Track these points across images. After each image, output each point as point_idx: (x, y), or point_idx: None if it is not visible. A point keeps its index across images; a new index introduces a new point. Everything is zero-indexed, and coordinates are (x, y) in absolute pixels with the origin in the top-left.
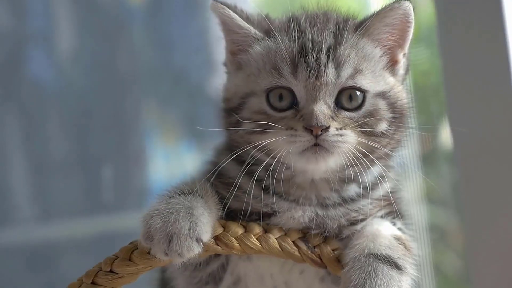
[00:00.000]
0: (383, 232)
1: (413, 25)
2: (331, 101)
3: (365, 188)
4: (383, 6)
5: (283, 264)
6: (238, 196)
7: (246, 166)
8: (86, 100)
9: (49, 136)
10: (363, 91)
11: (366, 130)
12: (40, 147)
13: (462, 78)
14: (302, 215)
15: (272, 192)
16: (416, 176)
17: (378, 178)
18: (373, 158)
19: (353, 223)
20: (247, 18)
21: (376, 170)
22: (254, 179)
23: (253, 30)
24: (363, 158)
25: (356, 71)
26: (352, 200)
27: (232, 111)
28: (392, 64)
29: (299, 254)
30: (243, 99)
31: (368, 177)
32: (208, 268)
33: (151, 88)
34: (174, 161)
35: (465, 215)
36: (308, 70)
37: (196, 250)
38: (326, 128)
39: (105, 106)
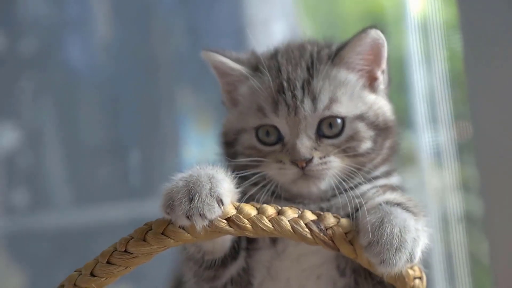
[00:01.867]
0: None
1: (385, 44)
2: (312, 132)
3: (368, 179)
4: (353, 36)
5: (302, 270)
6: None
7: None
8: (120, 86)
9: (83, 122)
10: (342, 118)
11: (349, 153)
12: (74, 133)
13: (484, 71)
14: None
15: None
16: (452, 164)
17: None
18: (368, 170)
19: (358, 209)
20: (237, 59)
21: (378, 170)
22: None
23: (243, 70)
24: (355, 173)
25: (332, 100)
26: (355, 187)
27: (229, 144)
28: (371, 82)
29: (311, 237)
30: (236, 135)
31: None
32: (227, 272)
33: (184, 74)
34: (207, 146)
35: (488, 205)
36: (287, 107)
37: (217, 211)
38: (310, 160)
39: (138, 92)
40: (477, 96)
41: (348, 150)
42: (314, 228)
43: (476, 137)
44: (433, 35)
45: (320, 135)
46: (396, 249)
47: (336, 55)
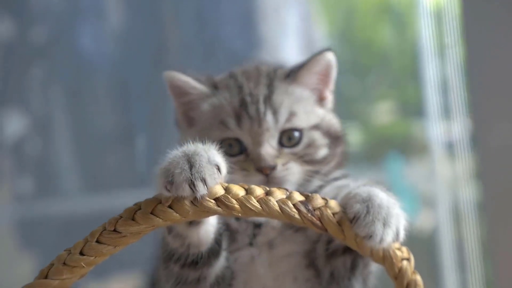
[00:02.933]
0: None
1: (335, 67)
2: (274, 143)
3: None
4: (311, 58)
5: (277, 276)
6: None
7: None
8: (129, 74)
9: (92, 110)
10: (299, 130)
11: (308, 159)
12: (83, 120)
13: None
14: None
15: None
16: (464, 154)
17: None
18: (326, 173)
19: None
20: (197, 79)
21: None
22: None
23: (204, 89)
24: (314, 176)
25: (291, 114)
26: (319, 189)
27: None
28: (321, 99)
29: (299, 217)
30: None
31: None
32: (211, 271)
33: (192, 60)
34: None
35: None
36: (250, 120)
37: (217, 177)
38: (274, 167)
39: (147, 79)
40: (477, 90)
41: (306, 157)
42: (302, 208)
43: (476, 131)
44: (447, 24)
45: (281, 145)
46: (384, 223)
47: (294, 74)
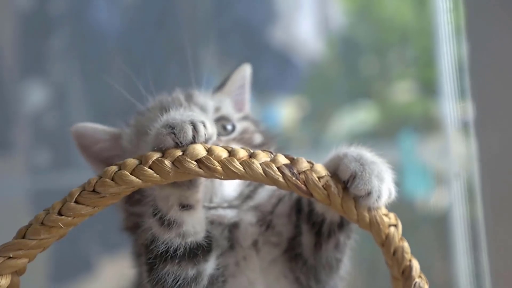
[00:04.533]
0: None
1: (249, 78)
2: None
3: None
4: (232, 72)
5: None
6: None
7: None
8: (147, 49)
9: (108, 84)
10: (230, 120)
11: (246, 144)
12: (99, 94)
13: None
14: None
15: None
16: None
17: None
18: None
19: None
20: (101, 126)
21: None
22: None
23: (116, 130)
24: None
25: (217, 109)
26: None
27: None
28: (240, 106)
29: (283, 180)
30: None
31: None
32: (208, 266)
33: (209, 36)
34: None
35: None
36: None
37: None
38: None
39: (164, 55)
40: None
41: (245, 142)
42: (287, 172)
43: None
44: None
45: (218, 135)
46: (379, 178)
47: (218, 88)
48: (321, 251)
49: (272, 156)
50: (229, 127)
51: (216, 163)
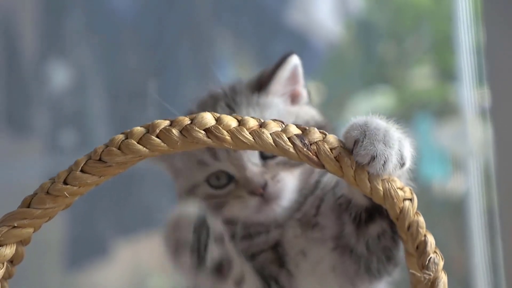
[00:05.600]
0: None
1: (300, 65)
2: (256, 159)
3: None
4: (275, 68)
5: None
6: None
7: None
8: (164, 30)
9: (126, 65)
10: None
11: (294, 163)
12: (117, 75)
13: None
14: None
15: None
16: None
17: None
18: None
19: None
20: None
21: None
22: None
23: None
24: (309, 176)
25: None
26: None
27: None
28: (294, 98)
29: (294, 151)
30: (191, 192)
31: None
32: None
33: (223, 17)
34: None
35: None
36: (225, 149)
37: None
38: (265, 184)
39: (181, 37)
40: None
41: (292, 161)
42: (298, 142)
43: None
44: None
45: (264, 158)
46: (384, 143)
47: (261, 87)
48: (363, 239)
49: (283, 126)
50: None
51: (225, 133)
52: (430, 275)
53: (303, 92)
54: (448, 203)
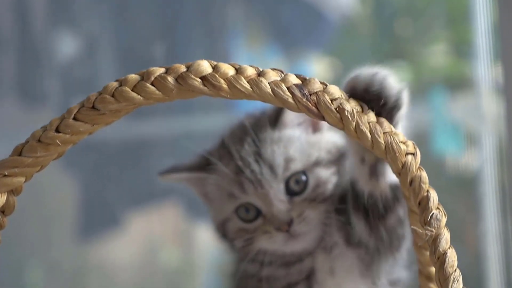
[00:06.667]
0: None
1: None
2: (282, 196)
3: None
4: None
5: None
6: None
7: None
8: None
9: (134, 31)
10: (302, 172)
11: (320, 198)
12: (130, 45)
13: None
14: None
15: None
16: None
17: None
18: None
19: None
20: (189, 168)
21: None
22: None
23: (199, 175)
24: (331, 211)
25: (287, 161)
26: None
27: (224, 237)
28: (314, 125)
29: (293, 101)
30: (223, 226)
31: None
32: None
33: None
34: (258, 62)
35: None
36: (251, 183)
37: None
38: (291, 221)
39: (191, 6)
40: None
41: (318, 198)
42: (297, 92)
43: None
44: None
45: (290, 194)
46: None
47: (276, 120)
48: (376, 232)
49: (282, 75)
50: (301, 180)
51: (222, 81)
52: (432, 231)
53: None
54: (461, 178)
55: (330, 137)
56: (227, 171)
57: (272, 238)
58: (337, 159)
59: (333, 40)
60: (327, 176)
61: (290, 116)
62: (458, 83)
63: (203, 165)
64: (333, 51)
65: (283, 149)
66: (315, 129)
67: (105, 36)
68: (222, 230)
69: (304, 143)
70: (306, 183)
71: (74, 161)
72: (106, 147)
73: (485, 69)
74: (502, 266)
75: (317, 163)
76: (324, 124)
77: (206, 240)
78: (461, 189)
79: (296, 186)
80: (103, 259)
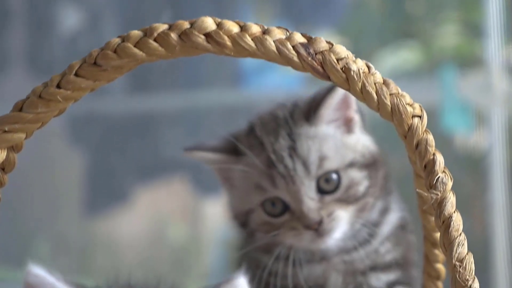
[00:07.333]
0: None
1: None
2: (313, 194)
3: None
4: (326, 94)
5: None
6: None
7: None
8: None
9: (141, 5)
10: (335, 171)
11: (351, 200)
12: (133, 16)
13: None
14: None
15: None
16: None
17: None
18: (370, 206)
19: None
20: (215, 149)
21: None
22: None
23: (225, 158)
24: (360, 216)
25: (321, 159)
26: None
27: (243, 225)
28: (347, 124)
29: (298, 60)
30: (245, 217)
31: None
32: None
33: None
34: None
35: None
36: (283, 178)
37: None
38: (321, 221)
39: None
40: None
41: (349, 199)
42: (302, 51)
43: None
44: None
45: (321, 193)
46: None
47: (311, 115)
48: None
49: (288, 33)
50: (333, 180)
51: (226, 38)
52: (437, 195)
53: (355, 116)
54: (470, 156)
55: (365, 141)
56: (257, 162)
57: (299, 236)
58: (370, 164)
59: (344, 18)
60: (360, 178)
61: (326, 111)
62: (469, 61)
63: (231, 149)
64: (344, 29)
65: (318, 146)
66: (348, 129)
67: (110, 6)
68: (243, 220)
69: (339, 143)
70: (338, 182)
71: (81, 136)
72: (113, 122)
73: (496, 49)
74: (509, 242)
75: (351, 164)
76: (356, 123)
77: (213, 216)
78: (470, 167)
79: (326, 185)
80: (110, 234)
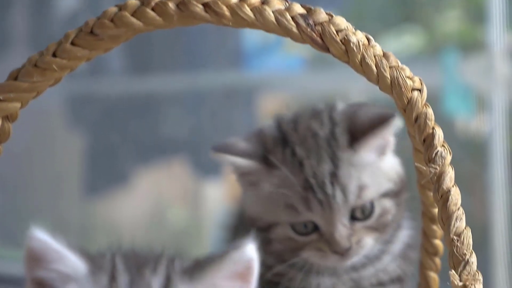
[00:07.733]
0: None
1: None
2: (346, 221)
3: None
4: (376, 125)
5: None
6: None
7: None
8: None
9: None
10: (371, 201)
11: (379, 228)
12: None
13: None
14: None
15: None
16: None
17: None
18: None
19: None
20: (245, 153)
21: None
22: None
23: (256, 166)
24: (383, 236)
25: (360, 188)
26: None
27: (260, 229)
28: (384, 146)
29: (297, 31)
30: (268, 226)
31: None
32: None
33: None
34: None
35: None
36: (320, 204)
37: None
38: (349, 248)
39: None
40: None
41: (379, 226)
42: (301, 22)
43: None
44: None
45: (353, 219)
46: None
47: (357, 142)
48: None
49: (287, 4)
50: (367, 210)
51: (224, 8)
52: (436, 169)
53: (391, 139)
54: (471, 140)
55: (395, 165)
56: (294, 182)
57: (325, 257)
58: (400, 191)
59: (346, 2)
60: (390, 207)
61: (374, 141)
62: (471, 46)
63: (263, 157)
64: (346, 13)
65: (358, 174)
66: (383, 151)
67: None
68: (264, 227)
69: (375, 169)
70: (371, 212)
71: (81, 117)
72: (113, 103)
73: (498, 33)
74: (509, 225)
75: (385, 194)
76: (391, 147)
77: (213, 198)
78: (471, 151)
79: (360, 213)
80: (110, 216)
